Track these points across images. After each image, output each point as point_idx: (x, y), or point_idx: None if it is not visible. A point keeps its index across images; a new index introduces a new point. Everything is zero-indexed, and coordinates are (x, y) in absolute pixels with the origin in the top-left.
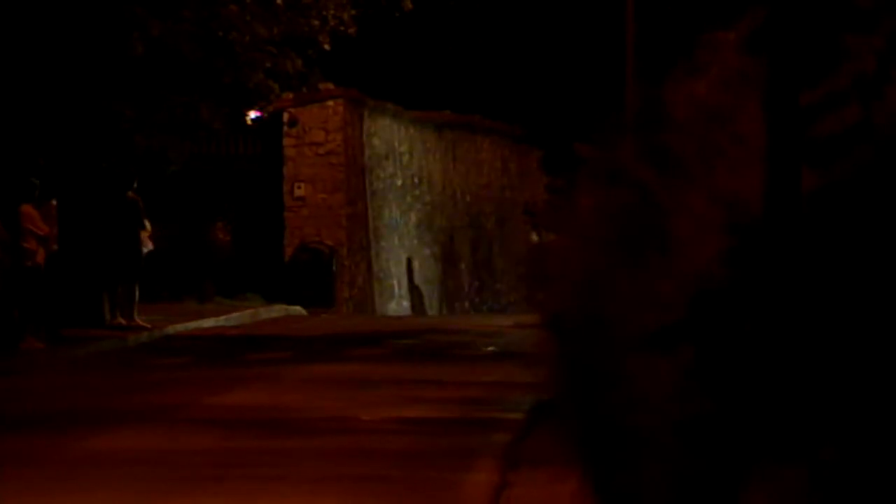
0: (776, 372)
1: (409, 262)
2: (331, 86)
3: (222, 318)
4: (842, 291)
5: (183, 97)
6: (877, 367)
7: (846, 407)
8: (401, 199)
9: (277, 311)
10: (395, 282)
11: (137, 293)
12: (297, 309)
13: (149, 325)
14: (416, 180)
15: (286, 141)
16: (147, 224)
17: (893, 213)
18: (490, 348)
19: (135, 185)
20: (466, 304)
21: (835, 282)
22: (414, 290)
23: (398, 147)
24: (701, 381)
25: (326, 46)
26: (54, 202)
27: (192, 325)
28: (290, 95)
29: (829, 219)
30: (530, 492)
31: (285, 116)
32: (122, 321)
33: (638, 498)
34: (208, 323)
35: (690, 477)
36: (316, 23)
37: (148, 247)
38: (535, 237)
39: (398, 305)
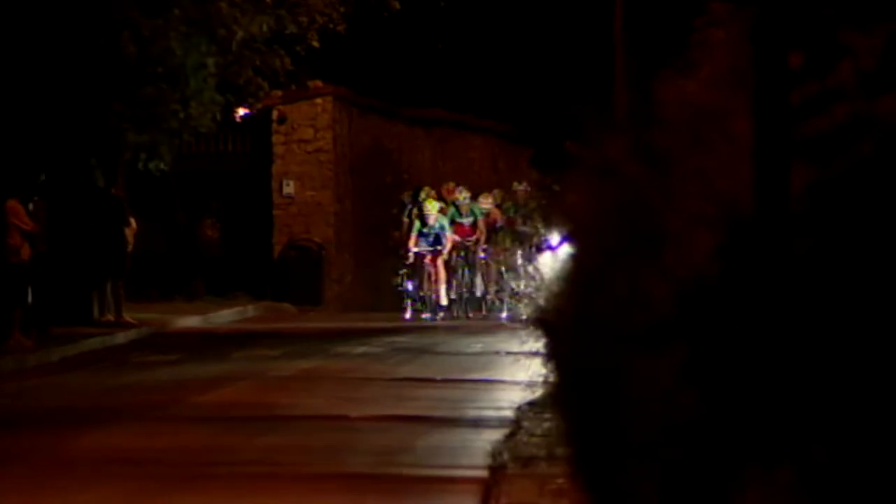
0: (767, 370)
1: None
2: (320, 83)
3: (211, 315)
4: (834, 289)
5: (172, 94)
6: (868, 366)
7: (836, 405)
8: (389, 196)
9: (266, 308)
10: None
11: (123, 291)
12: (286, 306)
13: (136, 323)
14: (405, 178)
15: (275, 138)
16: (132, 221)
17: (889, 212)
18: (480, 346)
19: (118, 181)
20: None
21: (827, 280)
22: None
23: (387, 144)
24: (692, 379)
25: (315, 44)
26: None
27: (181, 322)
28: (279, 93)
29: (823, 216)
30: (520, 490)
31: (274, 114)
32: (111, 318)
33: (629, 497)
34: (197, 320)
35: (681, 476)
36: (305, 20)
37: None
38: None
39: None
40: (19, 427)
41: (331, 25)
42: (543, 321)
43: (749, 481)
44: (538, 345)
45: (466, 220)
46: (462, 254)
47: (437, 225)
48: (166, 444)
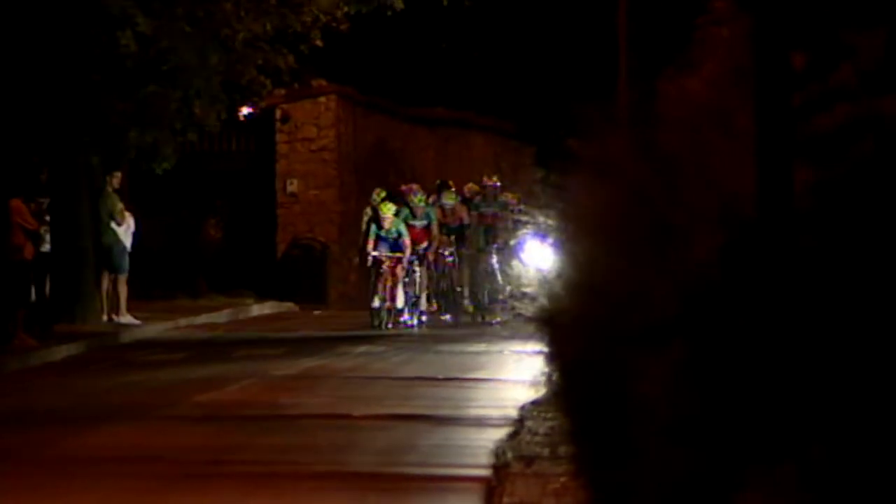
0: (769, 370)
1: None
2: (323, 82)
3: (214, 314)
4: (836, 289)
5: (176, 93)
6: (869, 366)
7: (838, 405)
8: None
9: (270, 307)
10: None
11: (126, 289)
12: (290, 305)
13: (139, 322)
14: (408, 177)
15: (279, 137)
16: (130, 219)
17: (890, 211)
18: (483, 345)
19: (113, 179)
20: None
21: (829, 279)
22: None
23: (391, 143)
24: (693, 379)
25: (319, 43)
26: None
27: (184, 321)
28: (283, 91)
29: (825, 215)
30: (523, 489)
31: (278, 112)
32: (115, 317)
33: (632, 495)
34: (200, 319)
35: (682, 476)
36: (308, 19)
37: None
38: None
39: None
40: (22, 426)
41: (334, 24)
42: (546, 320)
43: (750, 481)
44: (541, 344)
45: (420, 223)
46: (414, 258)
47: (392, 229)
48: (169, 443)
